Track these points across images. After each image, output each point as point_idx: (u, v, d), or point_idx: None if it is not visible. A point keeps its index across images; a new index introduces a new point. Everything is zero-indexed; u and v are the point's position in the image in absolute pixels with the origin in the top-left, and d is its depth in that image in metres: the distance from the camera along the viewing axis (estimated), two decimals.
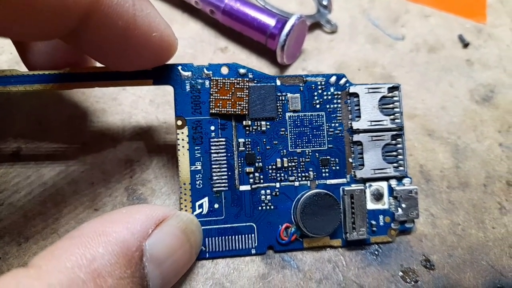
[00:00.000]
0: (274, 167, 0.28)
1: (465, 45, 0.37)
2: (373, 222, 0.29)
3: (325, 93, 0.29)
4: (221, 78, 0.27)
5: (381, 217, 0.29)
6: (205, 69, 0.27)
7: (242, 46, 0.35)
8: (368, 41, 0.36)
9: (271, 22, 0.33)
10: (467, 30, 0.38)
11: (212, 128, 0.27)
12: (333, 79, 0.29)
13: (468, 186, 0.32)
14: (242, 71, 0.27)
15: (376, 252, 0.29)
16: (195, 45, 0.35)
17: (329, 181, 0.28)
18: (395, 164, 0.29)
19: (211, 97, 0.27)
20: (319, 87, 0.29)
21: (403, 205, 0.28)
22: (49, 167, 0.29)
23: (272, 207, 0.28)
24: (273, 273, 0.28)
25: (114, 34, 0.21)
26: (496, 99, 0.35)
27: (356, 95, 0.29)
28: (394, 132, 0.29)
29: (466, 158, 0.33)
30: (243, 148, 0.27)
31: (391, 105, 0.29)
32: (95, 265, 0.18)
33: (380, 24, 0.37)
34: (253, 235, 0.27)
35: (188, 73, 0.27)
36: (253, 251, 0.27)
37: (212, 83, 0.27)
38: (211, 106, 0.27)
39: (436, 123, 0.34)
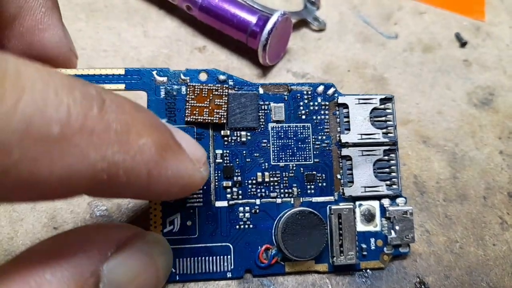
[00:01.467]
0: (254, 181, 0.26)
1: (463, 44, 0.35)
2: (364, 246, 0.26)
3: (311, 103, 0.27)
4: (199, 84, 0.25)
5: (372, 240, 0.26)
6: (182, 75, 0.25)
7: (221, 45, 0.33)
8: (358, 40, 0.34)
9: (252, 19, 0.30)
10: (465, 28, 0.36)
11: None
12: (320, 88, 0.27)
13: (467, 199, 0.30)
14: (222, 77, 0.26)
15: (365, 275, 0.26)
16: (171, 44, 0.32)
17: (314, 199, 0.26)
18: (388, 182, 0.26)
19: (187, 104, 0.25)
20: (305, 96, 0.27)
21: (397, 227, 0.26)
22: None
23: (251, 226, 0.25)
24: None
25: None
26: (496, 102, 0.33)
27: (345, 106, 0.27)
28: (387, 147, 0.27)
29: (464, 167, 0.31)
30: (221, 160, 0.25)
31: (383, 118, 0.27)
32: None
33: (372, 22, 0.35)
34: (229, 256, 0.25)
35: (164, 79, 0.25)
36: (229, 275, 0.25)
37: (188, 89, 0.25)
38: (186, 114, 0.25)
39: (431, 129, 0.32)
